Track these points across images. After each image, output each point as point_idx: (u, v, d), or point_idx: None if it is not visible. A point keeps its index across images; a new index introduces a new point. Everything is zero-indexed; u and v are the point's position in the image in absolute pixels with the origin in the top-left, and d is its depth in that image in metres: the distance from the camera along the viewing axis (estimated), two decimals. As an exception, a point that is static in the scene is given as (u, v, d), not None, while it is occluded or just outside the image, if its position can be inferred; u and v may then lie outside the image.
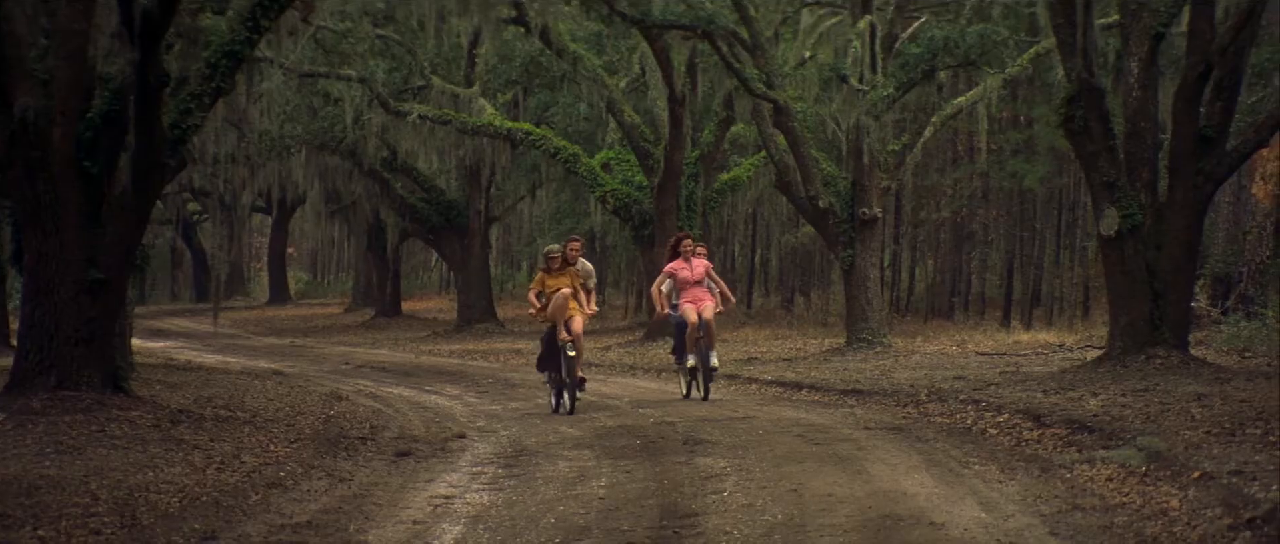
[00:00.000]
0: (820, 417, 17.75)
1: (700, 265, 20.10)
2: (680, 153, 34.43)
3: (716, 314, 20.20)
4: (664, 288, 20.31)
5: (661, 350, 30.59)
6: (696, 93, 35.10)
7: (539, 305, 18.97)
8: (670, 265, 20.28)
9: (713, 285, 20.21)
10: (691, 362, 19.84)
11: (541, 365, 19.50)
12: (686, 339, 19.79)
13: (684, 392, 20.23)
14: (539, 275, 19.23)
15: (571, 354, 18.59)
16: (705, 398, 19.64)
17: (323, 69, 35.68)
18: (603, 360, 28.98)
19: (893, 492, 11.64)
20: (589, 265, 19.79)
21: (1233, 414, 14.65)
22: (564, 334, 18.61)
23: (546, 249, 19.56)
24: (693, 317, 19.65)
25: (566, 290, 18.73)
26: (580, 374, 18.78)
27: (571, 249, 19.34)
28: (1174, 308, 20.75)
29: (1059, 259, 47.80)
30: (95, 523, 10.26)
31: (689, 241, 20.38)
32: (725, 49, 29.11)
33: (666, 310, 20.38)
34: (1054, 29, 21.74)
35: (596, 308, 20.04)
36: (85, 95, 16.71)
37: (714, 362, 20.01)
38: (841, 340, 30.28)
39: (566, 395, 18.73)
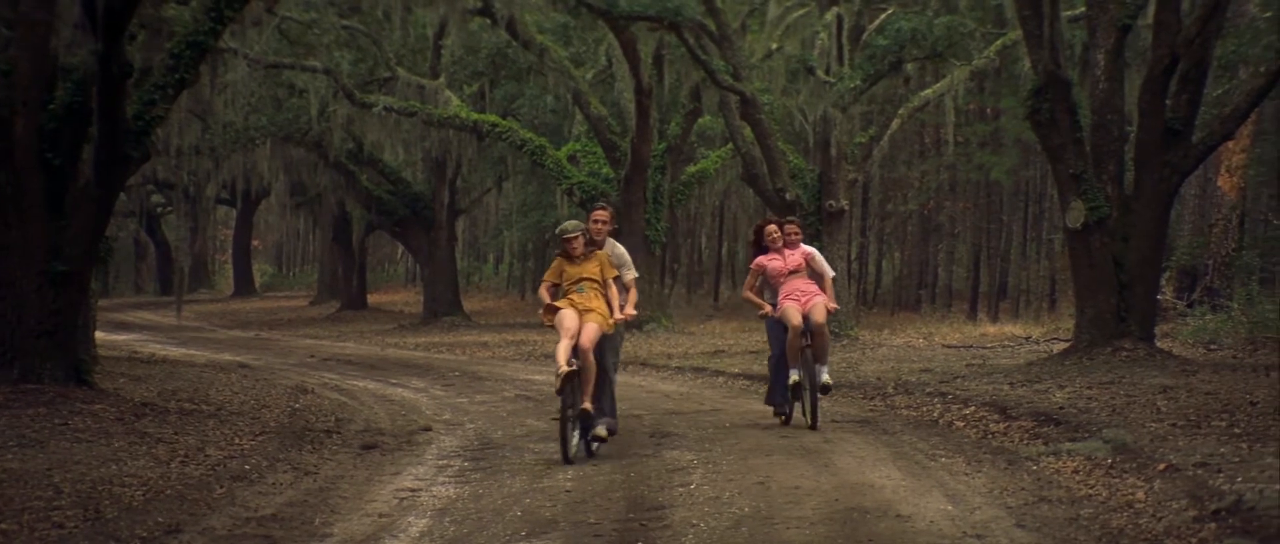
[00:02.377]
0: (787, 409, 17.72)
1: (795, 255, 15.67)
2: (647, 145, 34.39)
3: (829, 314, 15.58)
4: (756, 286, 15.88)
5: (627, 344, 30.61)
6: (663, 85, 35.07)
7: (549, 302, 13.84)
8: (756, 261, 15.86)
9: (820, 275, 15.76)
10: (795, 377, 15.33)
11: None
12: (788, 347, 15.34)
13: (784, 416, 15.75)
14: (556, 262, 14.04)
15: (572, 367, 13.23)
16: (813, 426, 15.18)
17: (287, 60, 35.56)
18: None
19: (859, 484, 11.63)
20: (621, 248, 14.44)
21: (1198, 406, 14.70)
22: (568, 361, 13.24)
23: (562, 228, 14.02)
24: (795, 318, 15.23)
25: (571, 311, 13.57)
26: (586, 405, 13.37)
27: (596, 223, 14.12)
28: (1140, 300, 20.80)
29: (1026, 251, 48.00)
30: (58, 517, 10.17)
31: (773, 229, 15.73)
32: (692, 41, 29.09)
33: (767, 308, 15.67)
34: (1020, 21, 21.78)
35: (634, 310, 14.19)
36: (47, 86, 16.55)
37: (825, 377, 15.30)
38: (808, 333, 30.24)
39: (575, 434, 13.49)
